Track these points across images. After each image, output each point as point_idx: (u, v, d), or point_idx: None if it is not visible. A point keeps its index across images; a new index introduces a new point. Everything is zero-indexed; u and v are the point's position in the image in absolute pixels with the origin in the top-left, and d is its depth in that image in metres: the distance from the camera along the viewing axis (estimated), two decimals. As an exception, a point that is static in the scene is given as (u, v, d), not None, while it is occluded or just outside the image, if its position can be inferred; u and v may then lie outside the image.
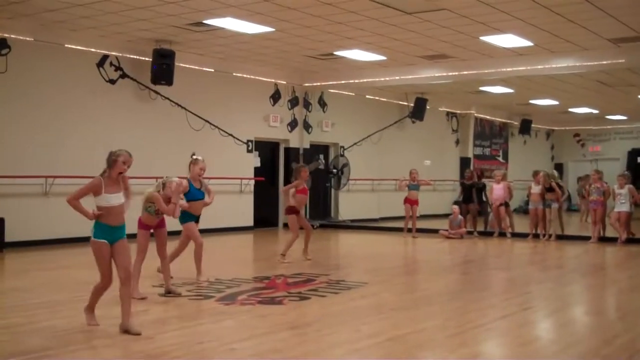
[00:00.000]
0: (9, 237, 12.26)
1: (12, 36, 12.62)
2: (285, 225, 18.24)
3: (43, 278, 9.31)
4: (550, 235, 15.23)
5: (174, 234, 8.91)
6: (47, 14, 12.07)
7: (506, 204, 16.19)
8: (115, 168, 6.10)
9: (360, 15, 11.94)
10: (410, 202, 16.08)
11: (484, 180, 18.32)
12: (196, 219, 8.98)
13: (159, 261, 8.14)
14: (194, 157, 8.96)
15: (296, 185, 11.21)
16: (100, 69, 14.12)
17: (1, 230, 12.13)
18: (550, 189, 15.25)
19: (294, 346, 5.62)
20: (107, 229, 6.06)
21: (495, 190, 16.19)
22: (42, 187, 12.99)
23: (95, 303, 6.31)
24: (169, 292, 7.87)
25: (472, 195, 16.94)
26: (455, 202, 17.92)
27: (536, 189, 15.51)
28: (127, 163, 6.17)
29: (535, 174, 15.73)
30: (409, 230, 16.16)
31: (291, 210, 11.21)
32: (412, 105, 21.07)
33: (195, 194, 8.84)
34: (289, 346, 5.61)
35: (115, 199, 6.08)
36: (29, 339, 5.73)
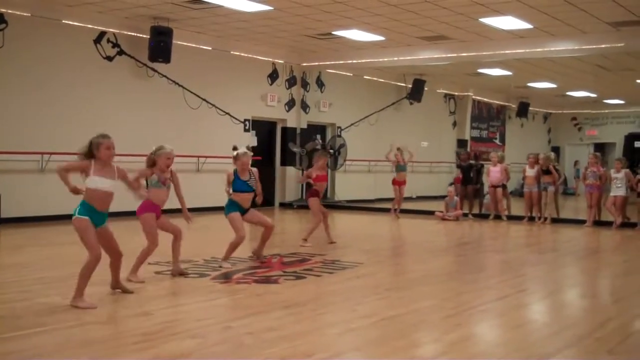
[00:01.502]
0: (4, 213, 12.27)
1: (9, 11, 12.54)
2: (282, 204, 18.36)
3: (39, 254, 9.32)
4: (545, 219, 15.27)
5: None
6: (44, -11, 12.02)
7: (503, 186, 16.22)
8: (101, 151, 6.04)
9: (359, -5, 11.92)
10: (398, 183, 16.15)
11: (482, 162, 18.33)
12: (243, 211, 8.51)
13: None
14: (236, 152, 8.40)
15: (315, 174, 10.81)
16: (98, 45, 14.05)
17: (-3, 206, 12.15)
18: (547, 172, 15.28)
19: (289, 325, 5.64)
20: (92, 210, 6.04)
21: (492, 173, 16.21)
22: (38, 163, 12.96)
23: (86, 284, 6.05)
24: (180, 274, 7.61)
25: (470, 176, 16.96)
26: (451, 184, 17.96)
27: (531, 172, 15.54)
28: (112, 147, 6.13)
29: (530, 157, 15.77)
30: (396, 210, 16.32)
31: (314, 194, 10.79)
32: (409, 86, 21.04)
33: (240, 185, 8.41)
34: (285, 325, 5.62)
35: (103, 183, 6.05)
36: (25, 314, 5.74)
